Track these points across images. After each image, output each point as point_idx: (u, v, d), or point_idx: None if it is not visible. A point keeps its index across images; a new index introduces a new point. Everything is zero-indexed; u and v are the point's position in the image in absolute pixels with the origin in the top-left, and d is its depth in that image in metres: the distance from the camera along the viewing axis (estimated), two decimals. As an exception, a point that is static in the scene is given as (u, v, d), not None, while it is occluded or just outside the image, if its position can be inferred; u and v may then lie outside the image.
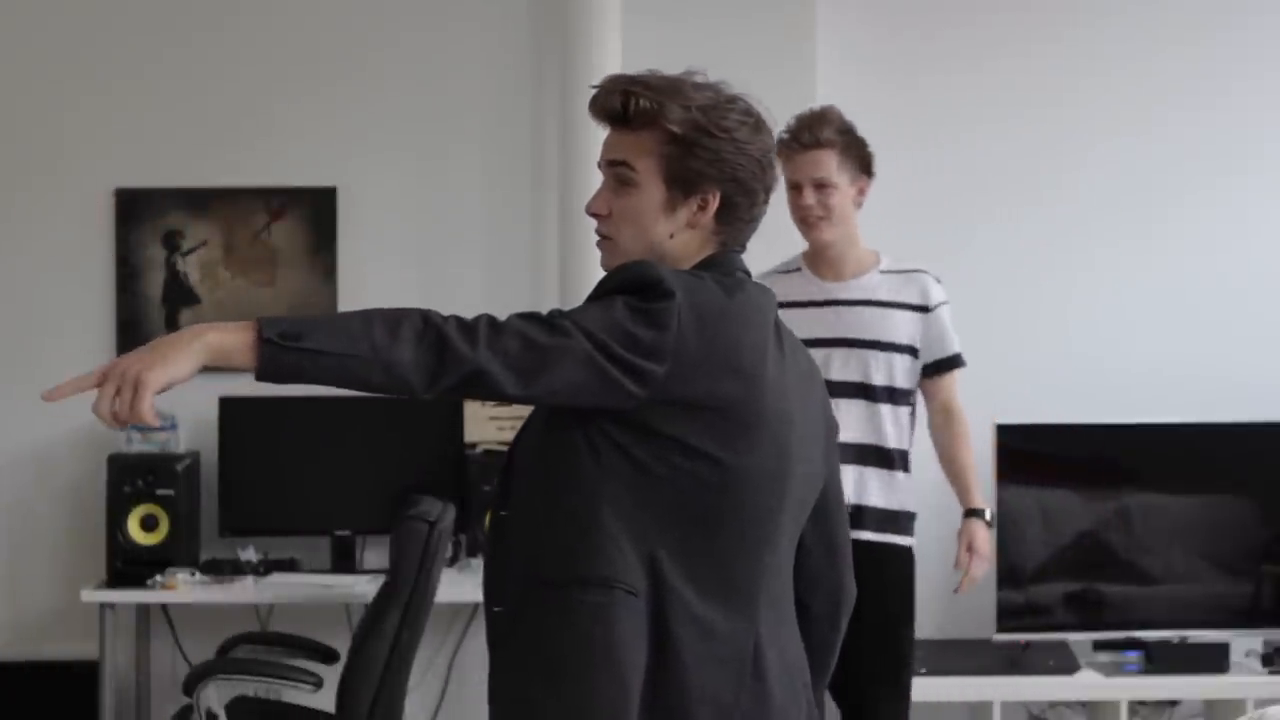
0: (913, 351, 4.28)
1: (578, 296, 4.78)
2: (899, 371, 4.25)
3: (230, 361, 2.26)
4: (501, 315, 2.35)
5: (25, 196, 5.59)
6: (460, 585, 5.06)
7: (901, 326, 4.26)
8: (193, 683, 4.53)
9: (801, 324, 3.48)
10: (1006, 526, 5.25)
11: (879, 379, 4.21)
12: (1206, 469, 5.35)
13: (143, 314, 5.57)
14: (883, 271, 4.32)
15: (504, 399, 2.35)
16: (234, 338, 2.25)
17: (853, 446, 4.11)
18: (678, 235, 2.50)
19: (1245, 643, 5.32)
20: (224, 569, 5.24)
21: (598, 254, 2.55)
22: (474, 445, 5.42)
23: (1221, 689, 5.18)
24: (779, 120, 2.57)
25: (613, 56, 5.22)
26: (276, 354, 2.24)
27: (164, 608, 5.44)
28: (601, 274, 2.51)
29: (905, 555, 4.27)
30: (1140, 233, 5.62)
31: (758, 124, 2.51)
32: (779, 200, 4.29)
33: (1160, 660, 5.19)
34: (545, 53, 5.54)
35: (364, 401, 5.20)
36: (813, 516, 2.63)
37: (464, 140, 5.61)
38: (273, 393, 3.26)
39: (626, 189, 2.49)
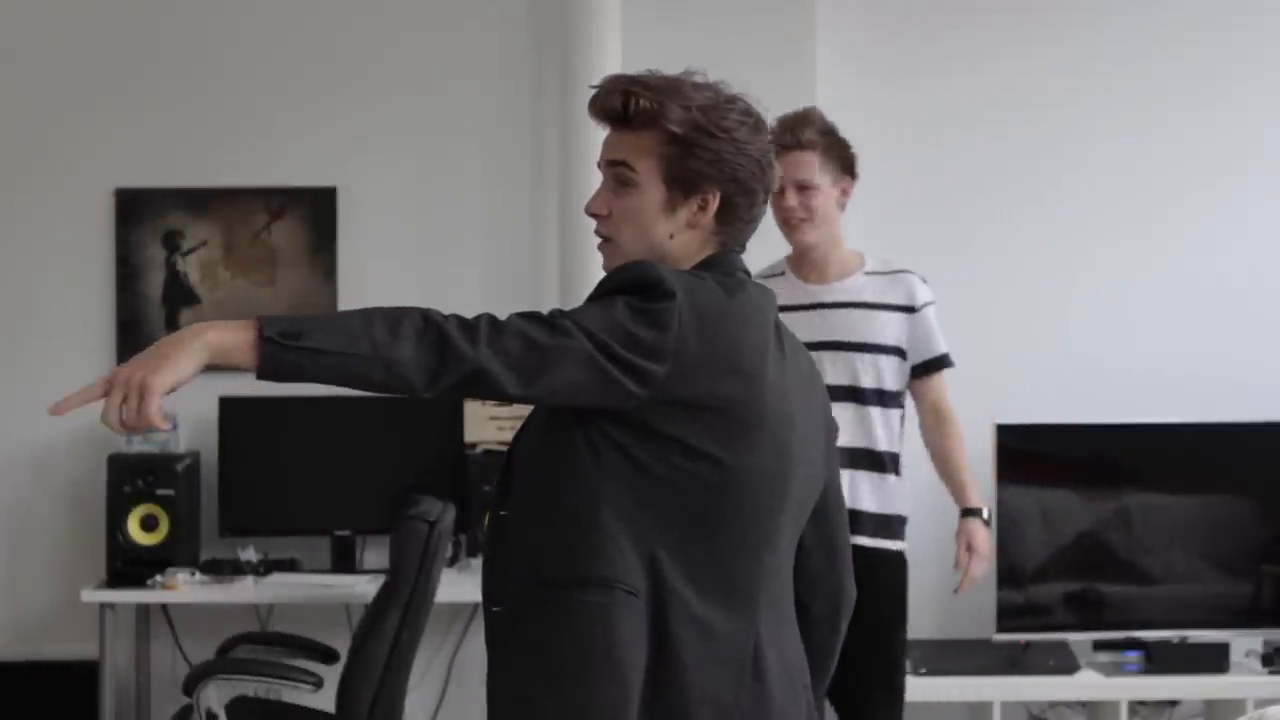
0: (900, 353, 4.25)
1: (578, 296, 4.78)
2: (887, 373, 4.22)
3: (231, 360, 2.26)
4: (501, 315, 2.35)
5: (25, 196, 5.59)
6: (460, 585, 5.06)
7: (888, 328, 4.24)
8: (193, 683, 4.53)
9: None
10: (1006, 526, 5.25)
11: (868, 381, 4.18)
12: (1206, 469, 5.35)
13: (143, 314, 5.57)
14: (868, 273, 4.29)
15: (504, 398, 2.35)
16: (234, 336, 2.25)
17: (844, 450, 4.08)
18: (678, 235, 2.50)
19: (1245, 643, 5.32)
20: (224, 569, 5.24)
21: (598, 254, 2.55)
22: (474, 445, 5.42)
23: (1221, 689, 5.18)
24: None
25: (613, 56, 5.22)
26: (277, 353, 2.24)
27: (164, 608, 5.45)
28: (602, 274, 2.51)
29: (898, 560, 4.24)
30: (1140, 233, 5.62)
31: (757, 124, 2.51)
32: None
33: (1160, 660, 5.19)
34: (545, 53, 5.54)
35: (364, 401, 5.20)
36: (813, 518, 2.63)
37: (464, 140, 5.61)
38: (273, 393, 3.27)
39: (626, 189, 2.49)
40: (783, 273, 4.29)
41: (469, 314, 2.34)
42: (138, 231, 5.58)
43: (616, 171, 2.50)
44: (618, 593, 2.38)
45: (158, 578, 5.14)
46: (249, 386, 4.49)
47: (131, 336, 5.50)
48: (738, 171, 2.47)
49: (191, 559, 5.32)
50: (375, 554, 5.38)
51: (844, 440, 4.10)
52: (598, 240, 2.55)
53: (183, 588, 5.13)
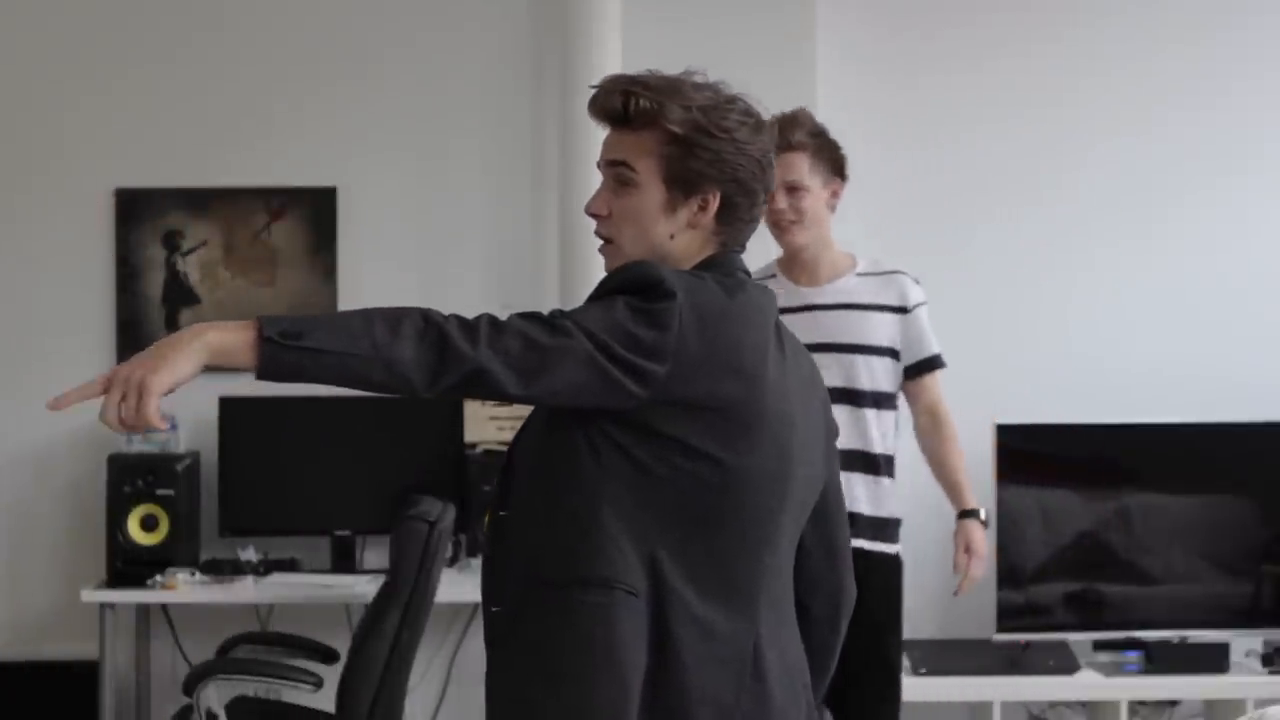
0: (893, 354, 4.24)
1: (578, 296, 4.78)
2: (881, 374, 4.20)
3: (231, 361, 2.25)
4: (501, 316, 2.35)
5: (25, 196, 5.59)
6: (460, 585, 5.06)
7: (881, 329, 4.22)
8: (193, 683, 4.53)
9: None
10: (1006, 526, 5.25)
11: (864, 383, 4.16)
12: (1206, 469, 5.35)
13: (143, 314, 5.57)
14: (859, 274, 4.27)
15: (505, 399, 2.35)
16: (234, 337, 2.25)
17: (839, 452, 4.08)
18: (678, 236, 2.50)
19: (1245, 643, 5.32)
20: (224, 569, 5.24)
21: (598, 254, 2.55)
22: (474, 445, 5.42)
23: (1221, 689, 5.18)
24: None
25: (613, 56, 5.22)
26: (277, 353, 2.24)
27: (164, 608, 5.45)
28: (602, 274, 2.51)
29: (893, 564, 4.22)
30: (1140, 233, 5.62)
31: (757, 124, 2.51)
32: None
33: (1160, 660, 5.19)
34: (545, 53, 5.54)
35: (364, 401, 5.21)
36: (813, 519, 2.63)
37: (464, 140, 5.61)
38: (273, 393, 3.27)
39: (627, 189, 2.49)
40: (773, 275, 4.26)
41: (469, 314, 2.34)
42: (138, 231, 5.58)
43: (617, 171, 2.50)
44: (618, 593, 2.38)
45: (158, 578, 5.14)
46: (249, 386, 4.48)
47: (131, 336, 5.50)
48: (738, 172, 2.47)
49: (191, 559, 5.32)
50: (375, 554, 5.38)
51: (840, 442, 4.09)
52: (598, 240, 2.55)
53: (183, 588, 5.13)
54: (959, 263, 5.58)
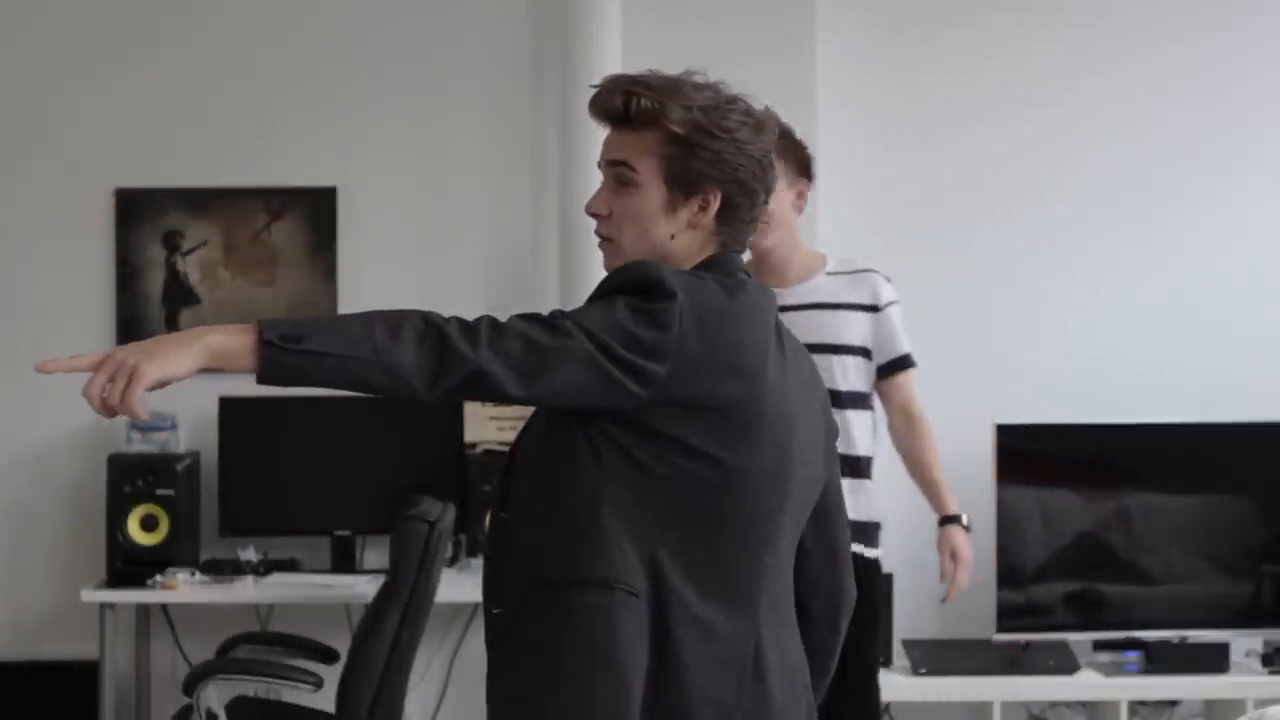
0: (866, 353, 4.22)
1: (578, 297, 4.78)
2: (855, 374, 4.18)
3: (231, 364, 2.25)
4: (502, 317, 2.35)
5: (25, 196, 5.59)
6: (460, 585, 5.06)
7: (854, 328, 4.20)
8: (193, 683, 4.53)
9: None
10: (1006, 526, 5.25)
11: (839, 384, 4.12)
12: (1206, 469, 5.35)
13: (143, 314, 5.57)
14: (829, 273, 4.25)
15: (506, 400, 2.34)
16: (235, 340, 2.24)
17: None
18: (678, 236, 2.50)
19: (1245, 643, 5.32)
20: (224, 569, 5.24)
21: (598, 254, 2.55)
22: (474, 445, 5.42)
23: (1221, 689, 5.18)
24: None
25: (613, 56, 5.21)
26: (277, 356, 2.24)
27: (164, 608, 5.44)
28: (602, 274, 2.51)
29: (873, 568, 4.20)
30: (1140, 233, 5.62)
31: (758, 124, 2.51)
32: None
33: (1160, 660, 5.19)
34: (545, 53, 5.54)
35: (364, 402, 5.20)
36: (813, 519, 2.63)
37: (464, 140, 5.61)
38: (273, 393, 3.26)
39: (627, 189, 2.49)
40: None
41: (469, 315, 2.34)
42: (138, 231, 5.58)
43: (617, 171, 2.50)
44: (618, 593, 2.38)
45: (158, 578, 5.14)
46: (249, 386, 4.46)
47: (131, 336, 5.48)
48: (739, 172, 2.47)
49: (191, 559, 5.31)
50: (375, 554, 5.38)
51: None
52: (598, 240, 2.55)
53: (183, 588, 5.12)
54: (959, 263, 5.58)
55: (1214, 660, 5.19)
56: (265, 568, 5.29)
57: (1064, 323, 5.61)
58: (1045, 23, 5.64)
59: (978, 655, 5.22)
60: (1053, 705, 5.45)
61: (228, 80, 5.60)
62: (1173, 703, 5.38)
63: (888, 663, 5.17)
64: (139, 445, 5.34)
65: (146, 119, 5.59)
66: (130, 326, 5.54)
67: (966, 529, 4.34)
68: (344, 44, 5.62)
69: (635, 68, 2.58)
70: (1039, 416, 5.35)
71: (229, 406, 5.40)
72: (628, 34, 5.28)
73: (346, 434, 5.41)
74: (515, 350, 2.30)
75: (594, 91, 2.52)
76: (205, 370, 2.25)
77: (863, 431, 4.19)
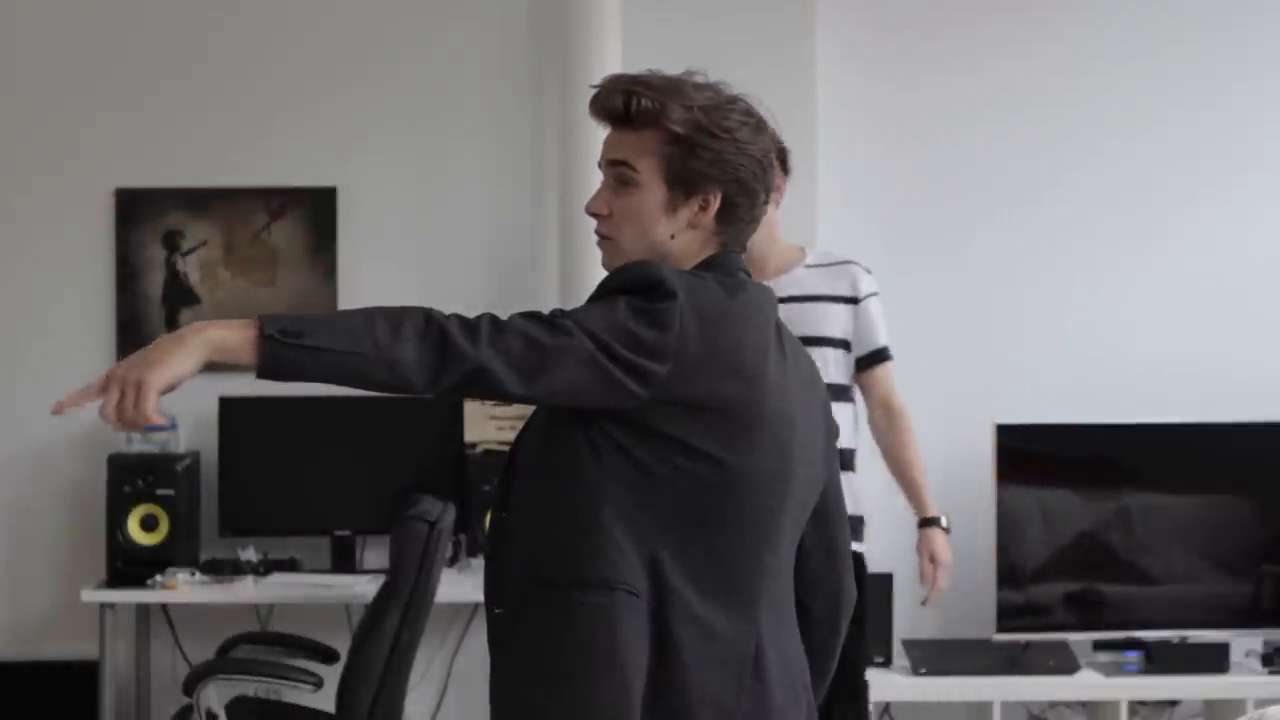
0: (846, 345, 4.22)
1: (578, 296, 4.78)
2: (835, 367, 4.18)
3: (232, 358, 2.25)
4: (502, 316, 2.35)
5: (25, 196, 5.59)
6: (460, 585, 5.06)
7: (835, 320, 4.20)
8: (193, 683, 4.53)
9: None
10: (1006, 526, 5.25)
11: (824, 377, 4.14)
12: (1206, 469, 5.35)
13: (143, 314, 5.57)
14: (808, 266, 4.25)
15: (506, 398, 2.34)
16: (236, 334, 2.25)
17: None
18: (679, 236, 2.50)
19: (1245, 643, 5.32)
20: (224, 569, 5.24)
21: (598, 254, 2.55)
22: (474, 445, 5.42)
23: (1221, 689, 5.18)
24: (780, 122, 2.57)
25: (613, 57, 5.22)
26: (278, 351, 2.24)
27: (164, 608, 5.45)
28: (602, 274, 2.51)
29: (859, 562, 4.21)
30: (1140, 233, 5.62)
31: (758, 125, 2.51)
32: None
33: (1160, 660, 5.19)
34: (545, 53, 5.54)
35: (364, 401, 5.21)
36: (813, 519, 2.63)
37: (464, 140, 5.61)
38: (273, 393, 3.27)
39: (627, 189, 2.49)
40: None
41: (469, 314, 2.34)
42: (138, 231, 5.58)
43: (617, 171, 2.50)
44: (619, 594, 2.38)
45: (158, 578, 5.14)
46: (249, 386, 4.48)
47: (131, 336, 5.50)
48: (739, 172, 2.47)
49: (191, 559, 5.31)
50: (375, 554, 5.38)
51: None
52: (597, 240, 2.55)
53: (183, 588, 5.12)
54: (959, 263, 5.58)
55: (1214, 660, 5.19)
56: (265, 568, 5.29)
57: (1064, 323, 5.61)
58: (1045, 23, 5.64)
59: (978, 655, 5.22)
60: (1053, 705, 5.45)
61: (228, 80, 5.60)
62: (1173, 703, 5.39)
63: (888, 663, 5.17)
64: (139, 445, 5.34)
65: (146, 119, 5.59)
66: (130, 326, 5.54)
67: (946, 531, 4.35)
68: (344, 44, 5.62)
69: (635, 68, 2.59)
70: (1039, 416, 5.35)
71: (229, 406, 5.39)
72: (628, 34, 5.28)
73: (346, 434, 5.41)
74: (516, 348, 2.30)
75: (594, 91, 2.52)
76: (205, 369, 2.25)
77: (844, 424, 4.18)
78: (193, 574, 5.21)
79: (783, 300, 4.09)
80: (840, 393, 4.19)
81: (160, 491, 5.21)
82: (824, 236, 5.20)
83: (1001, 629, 5.25)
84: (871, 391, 4.29)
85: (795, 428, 2.49)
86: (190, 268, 5.60)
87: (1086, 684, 5.16)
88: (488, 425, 5.44)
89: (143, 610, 5.47)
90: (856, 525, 4.21)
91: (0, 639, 5.53)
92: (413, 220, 5.63)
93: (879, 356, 4.27)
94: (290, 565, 5.38)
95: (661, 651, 2.40)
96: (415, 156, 5.62)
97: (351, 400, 5.20)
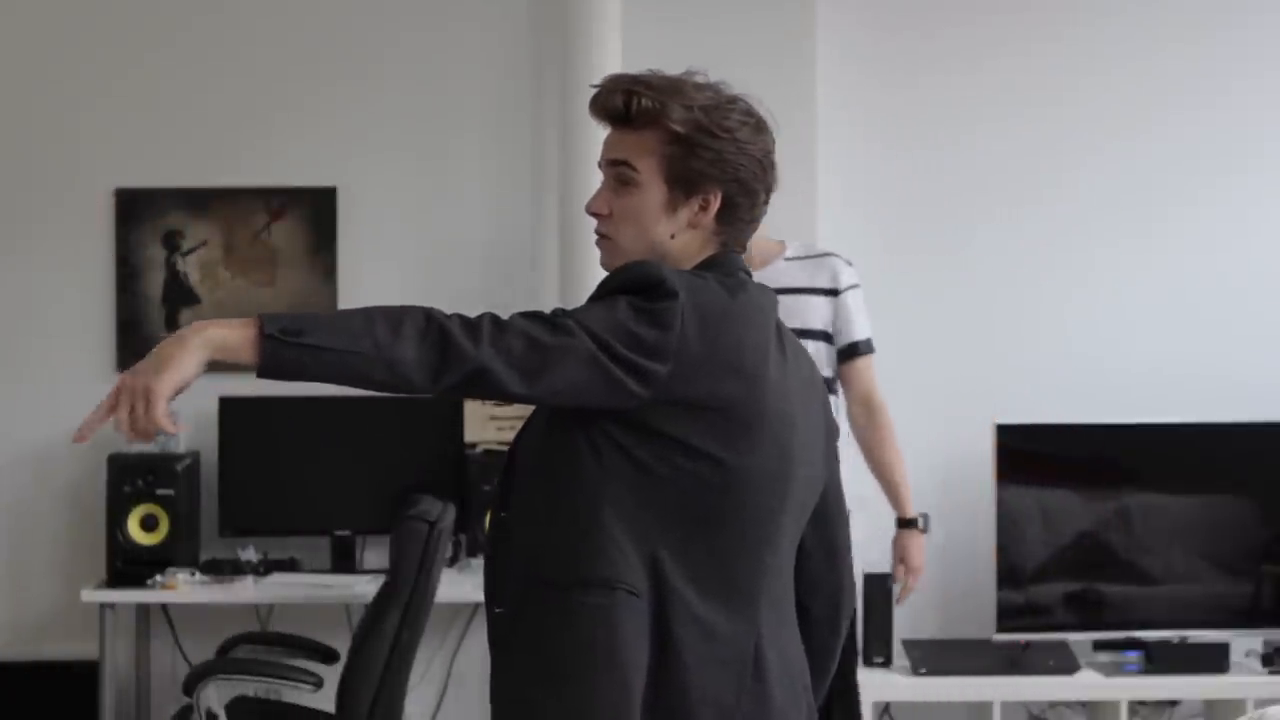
0: (828, 338, 4.21)
1: (578, 296, 4.78)
2: (817, 360, 4.16)
3: (232, 357, 2.25)
4: (502, 316, 2.35)
5: (25, 196, 5.59)
6: (460, 585, 5.06)
7: (816, 312, 4.19)
8: (193, 683, 4.53)
9: None
10: (1006, 526, 5.24)
11: None
12: (1206, 469, 5.35)
13: (143, 314, 5.57)
14: (788, 258, 4.25)
15: (506, 398, 2.34)
16: (236, 333, 2.25)
17: None
18: (679, 235, 2.50)
19: (1245, 643, 5.31)
20: (224, 569, 5.24)
21: (597, 254, 2.55)
22: (474, 445, 5.42)
23: (1221, 689, 5.17)
24: (780, 122, 2.57)
25: (613, 56, 5.21)
26: (278, 349, 2.24)
27: (164, 608, 5.45)
28: (602, 274, 2.51)
29: None
30: (1140, 233, 5.62)
31: (759, 124, 2.51)
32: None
33: (1160, 660, 5.19)
34: (545, 53, 5.54)
35: (364, 401, 5.21)
36: (813, 520, 2.63)
37: (464, 140, 5.61)
38: (273, 392, 3.27)
39: (627, 189, 2.49)
40: None
41: (469, 314, 2.34)
42: (138, 231, 5.58)
43: (618, 171, 2.50)
44: (619, 594, 2.38)
45: (158, 578, 5.14)
46: (249, 386, 4.48)
47: (131, 336, 5.50)
48: (739, 171, 2.47)
49: (191, 559, 5.32)
50: (375, 554, 5.38)
51: None
52: (597, 239, 2.55)
53: (183, 588, 5.12)
54: (959, 263, 5.58)
55: (1214, 660, 5.18)
56: (265, 568, 5.29)
57: (1064, 323, 5.61)
58: (1045, 23, 5.64)
59: (978, 655, 5.22)
60: (1053, 705, 5.45)
61: (228, 80, 5.60)
62: (1173, 703, 5.38)
63: (888, 663, 5.17)
64: (139, 445, 5.32)
65: (146, 119, 5.59)
66: (130, 326, 5.54)
67: (922, 531, 4.36)
68: (344, 44, 5.62)
69: (635, 68, 2.59)
70: (1039, 416, 5.35)
71: (229, 406, 5.40)
72: (628, 34, 5.28)
73: (346, 434, 5.41)
74: (517, 348, 2.30)
75: (594, 91, 2.52)
76: (205, 369, 2.25)
77: None
78: (193, 574, 5.21)
79: None
80: (827, 386, 4.17)
81: (160, 491, 5.21)
82: (824, 236, 5.20)
83: (1001, 629, 5.25)
84: (851, 386, 4.28)
85: (796, 427, 2.49)
86: (190, 268, 5.60)
87: (1086, 684, 5.16)
88: (488, 425, 5.44)
89: (143, 610, 5.47)
90: None
91: (0, 639, 5.53)
92: (413, 220, 5.63)
93: (858, 349, 4.26)
94: (290, 565, 5.38)
95: (662, 651, 2.40)
96: (415, 156, 5.62)
97: (351, 400, 5.20)
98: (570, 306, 2.44)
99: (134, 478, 5.21)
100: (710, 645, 2.42)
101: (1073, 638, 5.29)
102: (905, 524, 4.37)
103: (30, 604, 5.56)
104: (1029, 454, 5.30)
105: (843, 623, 2.74)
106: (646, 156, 2.47)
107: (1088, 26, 5.63)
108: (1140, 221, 5.62)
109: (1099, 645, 5.29)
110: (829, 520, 2.68)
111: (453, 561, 5.25)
